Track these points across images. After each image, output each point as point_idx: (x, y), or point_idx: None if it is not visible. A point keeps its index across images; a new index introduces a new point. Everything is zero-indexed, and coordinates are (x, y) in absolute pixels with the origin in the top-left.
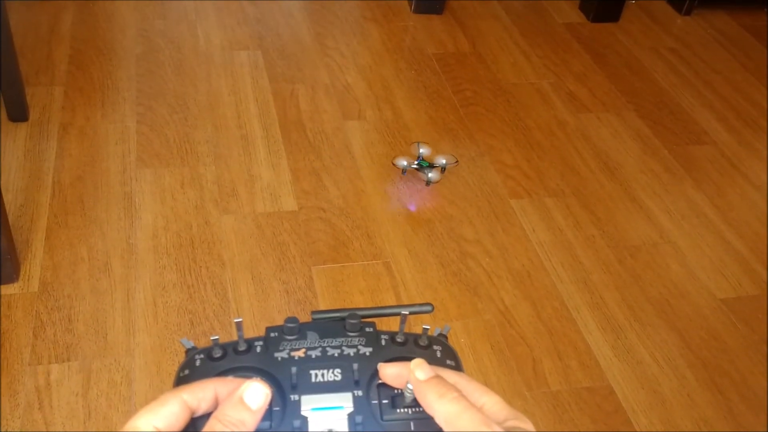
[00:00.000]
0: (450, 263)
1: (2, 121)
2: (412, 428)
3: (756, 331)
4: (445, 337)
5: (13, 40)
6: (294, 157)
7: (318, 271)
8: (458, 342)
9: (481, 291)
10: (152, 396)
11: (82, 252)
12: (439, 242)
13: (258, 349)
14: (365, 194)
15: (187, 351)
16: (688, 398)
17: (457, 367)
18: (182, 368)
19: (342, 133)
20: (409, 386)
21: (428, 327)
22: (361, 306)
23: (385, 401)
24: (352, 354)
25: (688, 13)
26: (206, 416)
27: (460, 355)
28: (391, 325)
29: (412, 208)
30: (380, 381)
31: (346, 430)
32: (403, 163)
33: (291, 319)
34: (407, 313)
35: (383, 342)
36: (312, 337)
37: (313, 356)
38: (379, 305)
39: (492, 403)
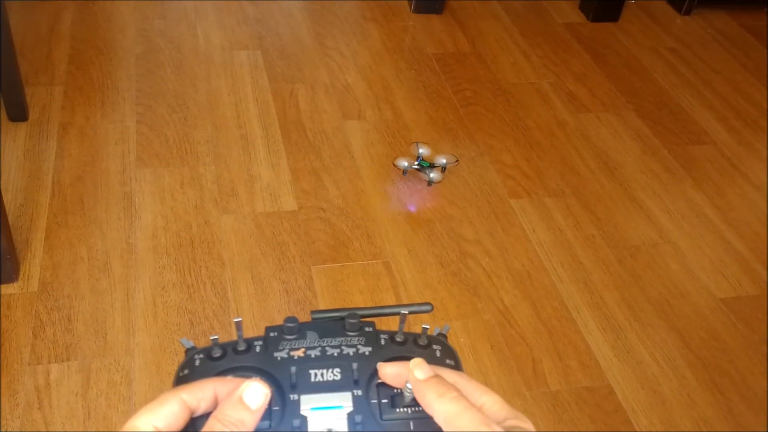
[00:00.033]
0: (450, 263)
1: (2, 120)
2: (412, 428)
3: (756, 331)
4: (445, 336)
5: (12, 40)
6: (294, 156)
7: (318, 271)
8: (458, 342)
9: (480, 291)
10: (152, 396)
11: (81, 252)
12: (438, 242)
13: (257, 349)
14: (365, 194)
15: (187, 351)
16: (688, 398)
17: (457, 367)
18: (182, 368)
19: (342, 133)
20: (409, 386)
21: (428, 326)
22: (361, 306)
23: (384, 401)
24: (351, 353)
25: (687, 12)
26: (206, 416)
27: (459, 354)
28: (390, 324)
29: (412, 209)
30: (379, 380)
31: (346, 429)
32: (404, 163)
33: (290, 319)
34: (407, 312)
35: (383, 341)
36: (311, 336)
37: (313, 356)
38: (379, 305)
39: (491, 402)
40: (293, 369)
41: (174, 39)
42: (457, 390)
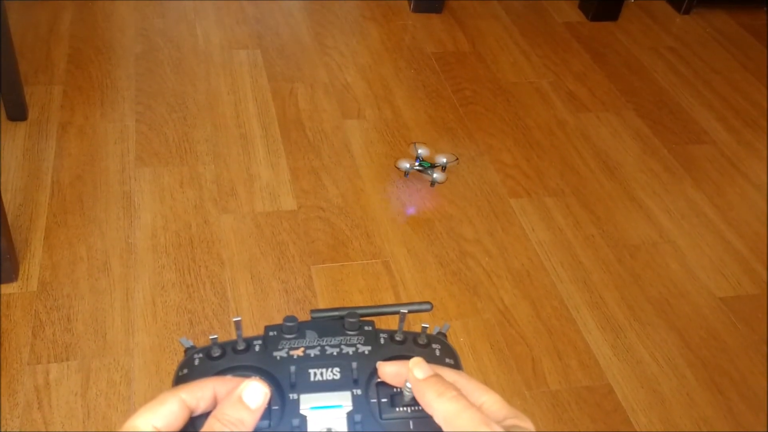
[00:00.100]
0: (449, 263)
1: (1, 120)
2: (411, 427)
3: (756, 330)
4: (444, 335)
5: (12, 40)
6: (293, 156)
7: (317, 271)
8: (458, 341)
9: (480, 290)
10: (151, 395)
11: (81, 251)
12: (438, 242)
13: (257, 348)
14: (364, 193)
15: (186, 350)
16: (687, 398)
17: (456, 366)
18: (181, 367)
19: (341, 133)
20: (408, 385)
21: (427, 326)
22: (360, 305)
23: (384, 400)
24: (351, 353)
25: (687, 12)
26: (205, 415)
27: (459, 354)
28: (390, 323)
29: (412, 211)
30: (379, 380)
31: (345, 429)
32: (405, 165)
33: (290, 318)
34: (406, 311)
35: (382, 341)
36: (311, 336)
37: (312, 355)
38: (378, 304)
39: (491, 401)
40: (293, 368)
41: (173, 38)
42: (457, 389)
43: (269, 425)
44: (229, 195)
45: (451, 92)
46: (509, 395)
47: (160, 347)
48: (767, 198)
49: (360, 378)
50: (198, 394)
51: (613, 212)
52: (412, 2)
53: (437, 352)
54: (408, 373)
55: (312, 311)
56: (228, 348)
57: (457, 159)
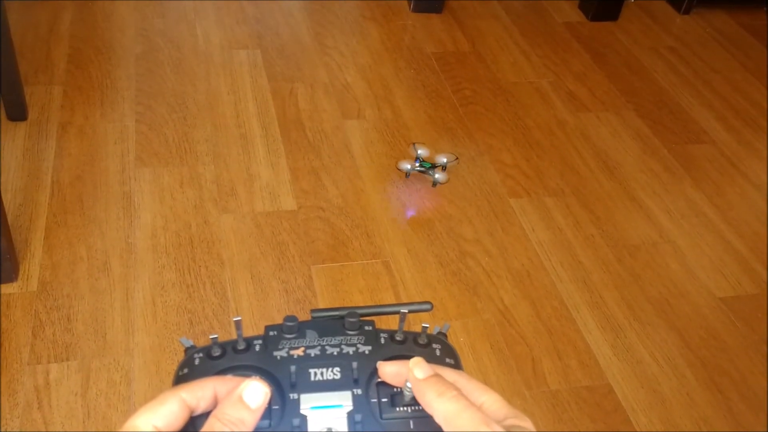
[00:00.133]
0: (449, 262)
1: (1, 120)
2: (412, 427)
3: (755, 330)
4: (445, 335)
5: (12, 40)
6: (293, 156)
7: (317, 271)
8: (458, 341)
9: (480, 290)
10: (151, 395)
11: (81, 251)
12: (438, 241)
13: (257, 348)
14: (364, 193)
15: (186, 350)
16: (687, 397)
17: (457, 366)
18: (181, 367)
19: (341, 133)
20: (408, 385)
21: (427, 325)
22: (361, 305)
23: (384, 400)
24: (351, 352)
25: (687, 12)
26: (205, 415)
27: (459, 354)
28: (390, 323)
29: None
30: (379, 379)
31: (346, 428)
32: (406, 166)
33: (290, 318)
34: (406, 311)
35: (382, 340)
36: (311, 335)
37: (312, 355)
38: (379, 304)
39: (491, 401)
40: (293, 368)
41: (173, 38)
42: (457, 389)
43: (269, 425)
44: (229, 195)
45: (451, 92)
46: (509, 395)
47: (160, 347)
48: (767, 198)
49: (360, 378)
50: (198, 393)
51: (613, 212)
52: (412, 2)
53: (437, 352)
54: (408, 373)
55: (312, 311)
56: (228, 347)
57: (457, 158)
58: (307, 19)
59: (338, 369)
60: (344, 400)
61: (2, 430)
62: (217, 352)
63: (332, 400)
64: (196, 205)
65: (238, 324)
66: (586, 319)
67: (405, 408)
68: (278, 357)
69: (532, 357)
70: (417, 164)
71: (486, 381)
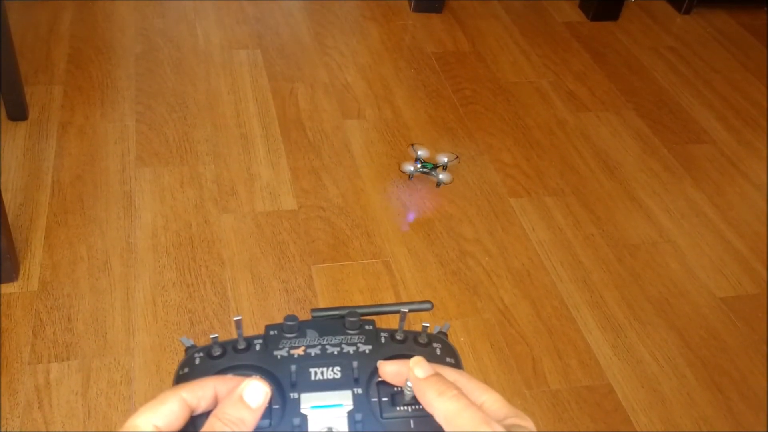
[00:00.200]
0: (449, 262)
1: (2, 120)
2: (412, 426)
3: (756, 330)
4: (445, 334)
5: (12, 40)
6: (293, 156)
7: (317, 270)
8: (458, 341)
9: (480, 290)
10: (152, 395)
11: (81, 251)
12: (438, 241)
13: (257, 348)
14: (365, 193)
15: (187, 349)
16: (687, 397)
17: (457, 365)
18: (182, 366)
19: (341, 132)
20: (409, 384)
21: (428, 325)
22: (361, 304)
23: (384, 399)
24: (351, 352)
25: (687, 12)
26: (206, 415)
27: (459, 354)
28: (390, 323)
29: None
30: (380, 379)
31: (346, 428)
32: (410, 168)
33: (290, 317)
34: (407, 310)
35: (383, 340)
36: (311, 335)
37: (313, 354)
38: (379, 303)
39: (492, 401)
40: (293, 367)
41: (173, 38)
42: (458, 388)
43: (270, 424)
44: (230, 195)
45: (451, 92)
46: (509, 395)
47: (161, 347)
48: (767, 198)
49: (361, 377)
50: (199, 393)
51: (613, 212)
52: (413, 2)
53: (438, 351)
54: (409, 372)
55: (312, 310)
56: (229, 347)
57: (458, 157)
58: (308, 19)
59: (339, 368)
60: (345, 399)
61: (3, 429)
62: (217, 352)
63: (333, 399)
64: (196, 204)
65: (238, 323)
66: (587, 318)
67: (405, 407)
68: (279, 356)
69: (533, 356)
70: (419, 165)
71: (486, 380)
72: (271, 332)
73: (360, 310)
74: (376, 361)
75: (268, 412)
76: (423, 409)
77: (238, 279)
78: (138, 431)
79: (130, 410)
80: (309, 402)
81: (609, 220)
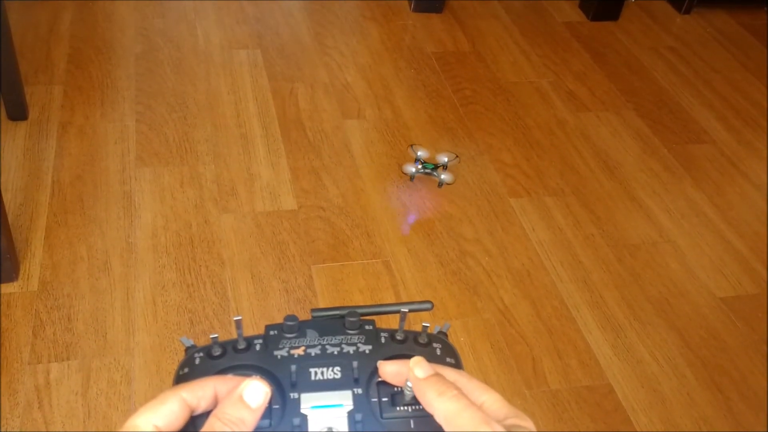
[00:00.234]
0: (449, 262)
1: (2, 120)
2: (412, 426)
3: (756, 330)
4: (445, 334)
5: (12, 40)
6: (293, 156)
7: (317, 270)
8: (458, 341)
9: (480, 290)
10: (152, 395)
11: (81, 251)
12: (438, 241)
13: (257, 348)
14: (365, 193)
15: (187, 349)
16: (687, 397)
17: (457, 365)
18: (182, 366)
19: (341, 132)
20: (409, 384)
21: (428, 325)
22: (361, 304)
23: (384, 399)
24: (351, 352)
25: (687, 12)
26: (206, 415)
27: (459, 354)
28: (390, 323)
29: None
30: (380, 379)
31: (346, 428)
32: (411, 170)
33: (290, 317)
34: (407, 310)
35: (383, 340)
36: (311, 335)
37: (313, 354)
38: (379, 303)
39: (492, 401)
40: (293, 367)
41: (173, 38)
42: (458, 388)
43: (270, 424)
44: (230, 195)
45: (451, 92)
46: (509, 395)
47: (161, 347)
48: (767, 198)
49: (361, 377)
50: (199, 393)
51: (613, 212)
52: (413, 2)
53: (438, 352)
54: (409, 372)
55: (312, 310)
56: (229, 347)
57: (457, 157)
58: (307, 19)
59: (339, 368)
60: (345, 399)
61: (3, 429)
62: (217, 352)
63: (333, 399)
64: (196, 204)
65: (238, 323)
66: (587, 318)
67: (405, 407)
68: (279, 356)
69: (533, 356)
70: (419, 166)
71: (486, 380)
72: (271, 332)
73: (360, 310)
74: (376, 361)
75: (268, 412)
76: (423, 410)
77: (238, 279)
78: (138, 431)
79: (130, 410)
80: (309, 402)
81: (609, 220)
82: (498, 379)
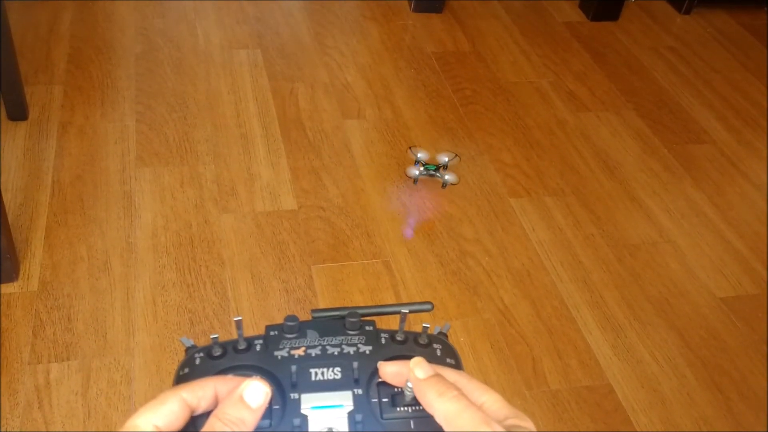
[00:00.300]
0: (449, 262)
1: (2, 120)
2: (412, 427)
3: (756, 330)
4: (445, 335)
5: (12, 40)
6: (293, 155)
7: (318, 270)
8: (458, 341)
9: (480, 290)
10: (152, 395)
11: (81, 251)
12: (438, 241)
13: (258, 348)
14: (365, 193)
15: (187, 349)
16: (687, 397)
17: (457, 366)
18: (182, 367)
19: (341, 132)
20: (409, 384)
21: (428, 325)
22: (361, 305)
23: (385, 400)
24: (351, 352)
25: (687, 12)
26: (206, 415)
27: (459, 354)
28: (390, 323)
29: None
30: (380, 379)
31: (346, 428)
32: (414, 172)
33: (291, 318)
34: (407, 311)
35: (383, 340)
36: (312, 335)
37: (313, 355)
38: (379, 304)
39: (492, 401)
40: (294, 368)
41: (173, 38)
42: (458, 389)
43: (270, 425)
44: (230, 195)
45: (451, 92)
46: (509, 395)
47: (161, 347)
48: (767, 198)
49: (361, 378)
50: (199, 393)
51: (613, 212)
52: (413, 2)
53: (438, 352)
54: (409, 373)
55: (313, 311)
56: (229, 347)
57: (457, 156)
58: (308, 18)
59: (339, 369)
60: (345, 400)
61: (3, 429)
62: (217, 352)
63: (333, 400)
64: (196, 204)
65: (238, 324)
66: (587, 318)
67: (406, 408)
68: (279, 357)
69: (533, 357)
70: (422, 168)
71: (486, 381)
72: (272, 333)
73: (360, 311)
74: (376, 362)
75: (269, 412)
76: (423, 410)
77: (238, 279)
78: (138, 431)
79: (130, 410)
80: (309, 402)
81: (609, 220)
82: (498, 380)
